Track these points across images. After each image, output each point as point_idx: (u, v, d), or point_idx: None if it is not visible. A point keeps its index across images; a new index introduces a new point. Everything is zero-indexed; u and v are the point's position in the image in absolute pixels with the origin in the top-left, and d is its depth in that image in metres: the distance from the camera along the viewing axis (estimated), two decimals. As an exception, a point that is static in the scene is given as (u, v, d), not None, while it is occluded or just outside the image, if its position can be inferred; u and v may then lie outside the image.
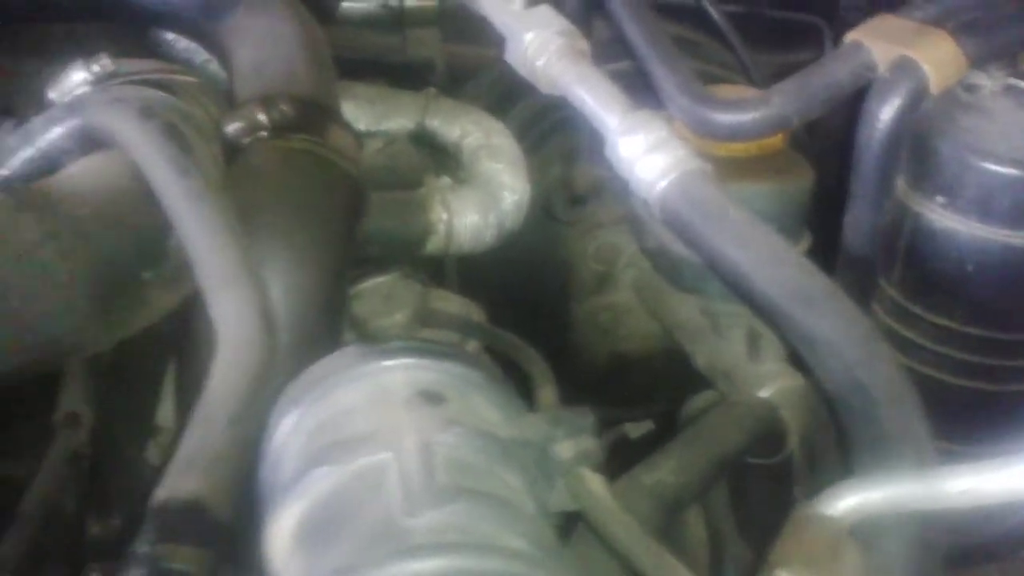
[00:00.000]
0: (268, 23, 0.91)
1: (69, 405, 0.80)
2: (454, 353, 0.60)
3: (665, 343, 1.21)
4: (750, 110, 0.87)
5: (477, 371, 0.56)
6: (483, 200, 0.99)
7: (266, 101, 0.80)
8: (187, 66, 1.05)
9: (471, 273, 1.16)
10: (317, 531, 0.48)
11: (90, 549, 0.77)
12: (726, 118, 0.88)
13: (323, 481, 0.49)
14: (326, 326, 0.79)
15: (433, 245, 0.98)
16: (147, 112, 0.70)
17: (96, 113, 0.71)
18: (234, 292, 0.66)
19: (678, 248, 1.04)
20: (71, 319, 0.65)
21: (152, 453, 0.88)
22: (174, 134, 0.70)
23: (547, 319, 1.28)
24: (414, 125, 1.16)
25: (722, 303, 1.04)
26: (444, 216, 0.97)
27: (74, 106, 0.72)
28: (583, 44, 0.99)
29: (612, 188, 1.27)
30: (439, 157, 1.17)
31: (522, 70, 1.01)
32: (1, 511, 0.75)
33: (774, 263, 0.77)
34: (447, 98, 1.18)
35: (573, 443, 0.55)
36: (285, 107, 0.80)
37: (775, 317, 0.76)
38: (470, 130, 1.13)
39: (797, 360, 1.00)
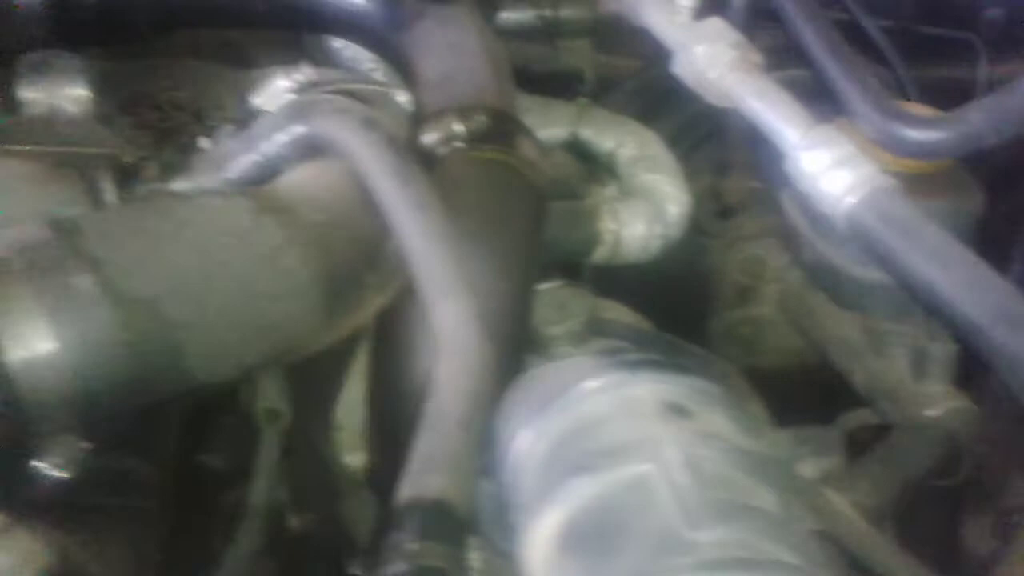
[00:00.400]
0: (453, 34, 0.93)
1: (267, 401, 0.83)
2: (695, 366, 0.61)
3: (806, 359, 1.20)
4: (946, 128, 0.86)
5: (717, 385, 0.57)
6: (650, 211, 1.00)
7: (463, 112, 0.82)
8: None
9: (606, 281, 1.18)
10: (585, 539, 0.49)
11: (290, 543, 0.80)
12: (921, 135, 0.87)
13: (584, 490, 0.50)
14: (521, 333, 0.81)
15: (600, 255, 0.99)
16: (370, 123, 0.72)
17: (321, 123, 0.73)
18: (456, 300, 0.67)
19: (842, 264, 1.04)
20: (308, 321, 0.67)
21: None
22: (396, 144, 0.72)
23: (684, 331, 1.28)
24: (567, 135, 1.17)
25: (886, 321, 1.04)
26: (612, 227, 0.98)
27: (297, 115, 0.75)
28: (756, 56, 1.00)
29: (761, 200, 1.28)
30: (589, 167, 1.19)
31: (691, 82, 1.02)
32: (204, 500, 0.78)
33: (975, 283, 0.76)
34: (599, 108, 1.20)
35: (818, 461, 0.56)
36: (481, 118, 0.82)
37: (976, 338, 0.75)
38: (625, 141, 1.14)
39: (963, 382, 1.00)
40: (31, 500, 0.57)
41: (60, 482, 0.58)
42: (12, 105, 0.78)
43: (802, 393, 1.27)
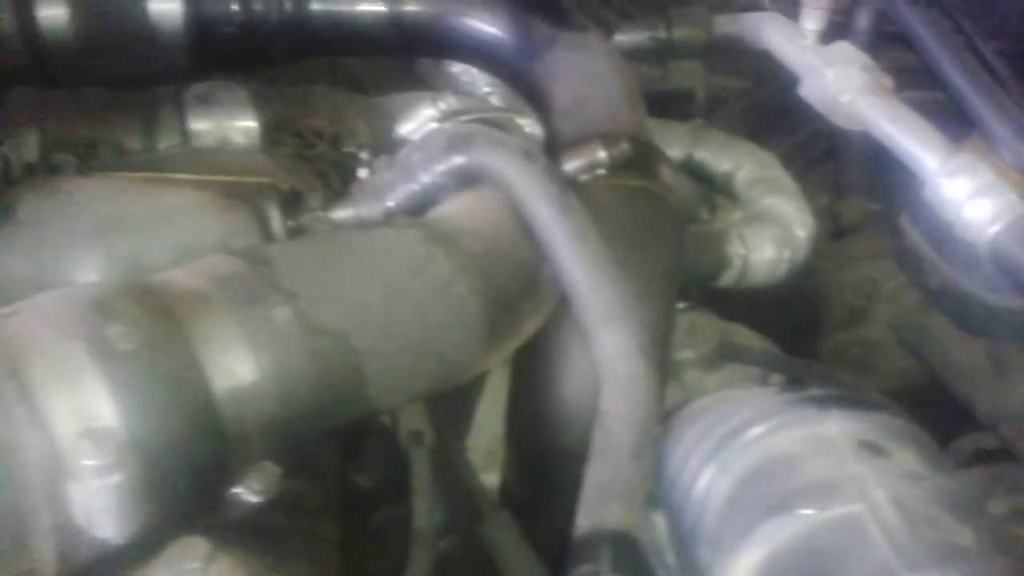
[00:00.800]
0: (586, 61, 0.94)
1: (410, 423, 0.85)
2: (880, 402, 0.61)
3: (916, 381, 1.19)
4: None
5: (904, 421, 0.57)
6: (777, 235, 1.00)
7: (606, 139, 0.83)
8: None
9: (714, 301, 1.18)
10: (793, 578, 0.50)
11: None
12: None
13: (786, 528, 0.51)
14: (665, 360, 0.82)
15: (727, 279, 0.99)
16: (529, 155, 0.74)
17: (481, 154, 0.74)
18: (619, 329, 0.68)
19: (971, 289, 1.03)
20: (473, 348, 0.69)
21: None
22: (555, 175, 0.74)
23: (793, 351, 1.28)
24: (682, 156, 1.17)
25: (1014, 347, 1.03)
26: (741, 251, 0.98)
27: (456, 146, 0.76)
28: (887, 80, 1.00)
29: (875, 221, 1.28)
30: (705, 188, 1.19)
31: (819, 104, 1.02)
32: (355, 521, 0.80)
33: None
34: (714, 129, 1.20)
35: (1009, 500, 0.56)
36: (624, 146, 0.83)
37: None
38: (742, 162, 1.14)
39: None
40: (230, 526, 0.60)
41: (253, 507, 0.60)
42: (183, 135, 0.80)
43: (912, 416, 1.27)
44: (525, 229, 0.73)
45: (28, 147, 1.03)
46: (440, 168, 0.76)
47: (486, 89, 1.15)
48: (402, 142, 0.87)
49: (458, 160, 0.76)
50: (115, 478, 0.50)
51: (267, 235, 0.75)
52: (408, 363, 0.65)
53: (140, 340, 0.54)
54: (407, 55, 1.08)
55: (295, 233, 0.78)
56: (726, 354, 0.92)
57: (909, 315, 1.19)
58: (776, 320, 1.21)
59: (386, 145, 1.00)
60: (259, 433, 0.58)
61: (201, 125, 0.81)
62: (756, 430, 0.57)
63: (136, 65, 0.98)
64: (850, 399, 0.57)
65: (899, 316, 1.22)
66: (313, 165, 0.93)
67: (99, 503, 0.50)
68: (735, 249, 0.98)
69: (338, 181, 0.92)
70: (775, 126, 1.29)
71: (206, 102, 0.82)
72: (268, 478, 0.58)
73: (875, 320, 1.24)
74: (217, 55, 0.99)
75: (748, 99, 1.33)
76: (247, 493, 0.58)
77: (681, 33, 1.21)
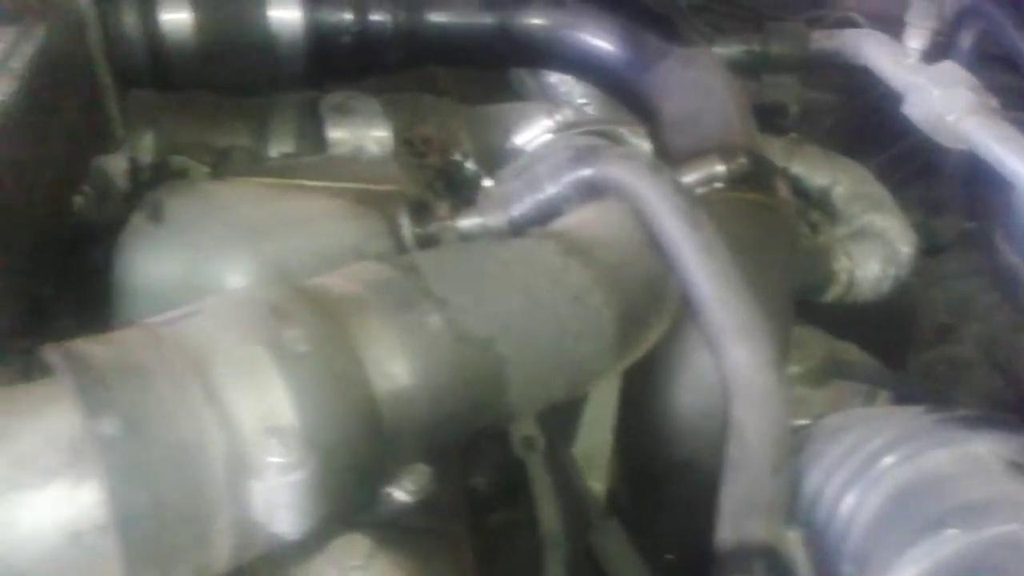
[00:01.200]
0: (697, 75, 0.95)
1: (523, 429, 0.86)
2: (1021, 423, 0.62)
3: (1005, 399, 1.19)
4: None
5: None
6: (883, 252, 1.01)
7: (724, 153, 0.84)
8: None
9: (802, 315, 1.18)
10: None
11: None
12: None
13: (942, 547, 0.52)
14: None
15: (832, 294, 1.00)
16: (657, 168, 0.75)
17: (609, 166, 0.76)
18: (751, 344, 0.69)
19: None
20: (605, 359, 0.70)
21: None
22: (683, 189, 0.75)
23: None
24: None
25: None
26: (847, 266, 0.99)
27: (583, 158, 0.77)
28: (993, 101, 1.00)
29: (971, 240, 1.27)
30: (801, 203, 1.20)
31: (923, 123, 1.02)
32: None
33: None
34: (810, 143, 1.21)
35: None
36: (743, 160, 0.84)
37: None
38: (839, 178, 1.15)
39: None
40: (379, 524, 0.61)
41: (404, 507, 0.62)
42: (321, 144, 0.83)
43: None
44: (651, 241, 0.75)
45: (143, 148, 1.07)
46: (566, 179, 0.77)
47: (581, 100, 1.16)
48: (516, 152, 0.88)
49: (585, 172, 0.77)
50: (297, 475, 0.51)
51: (397, 242, 0.77)
52: (546, 371, 0.67)
53: (314, 343, 0.56)
54: (515, 66, 1.10)
55: (423, 241, 0.80)
56: (832, 370, 0.93)
57: (1000, 334, 1.19)
58: (865, 336, 1.22)
59: (490, 154, 1.02)
60: (411, 436, 0.60)
61: (338, 134, 0.83)
62: (905, 450, 0.57)
63: (253, 72, 1.00)
64: (993, 420, 0.58)
65: (990, 335, 1.22)
66: (422, 173, 0.95)
67: (280, 500, 0.52)
68: (841, 264, 0.98)
69: (444, 189, 0.95)
70: (865, 142, 1.29)
71: (343, 112, 0.84)
72: (421, 479, 0.60)
73: (965, 338, 1.24)
74: (331, 64, 1.01)
75: (837, 114, 1.33)
76: (400, 493, 0.60)
77: (778, 47, 1.22)
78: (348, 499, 0.57)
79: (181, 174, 0.94)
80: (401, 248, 0.78)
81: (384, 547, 0.57)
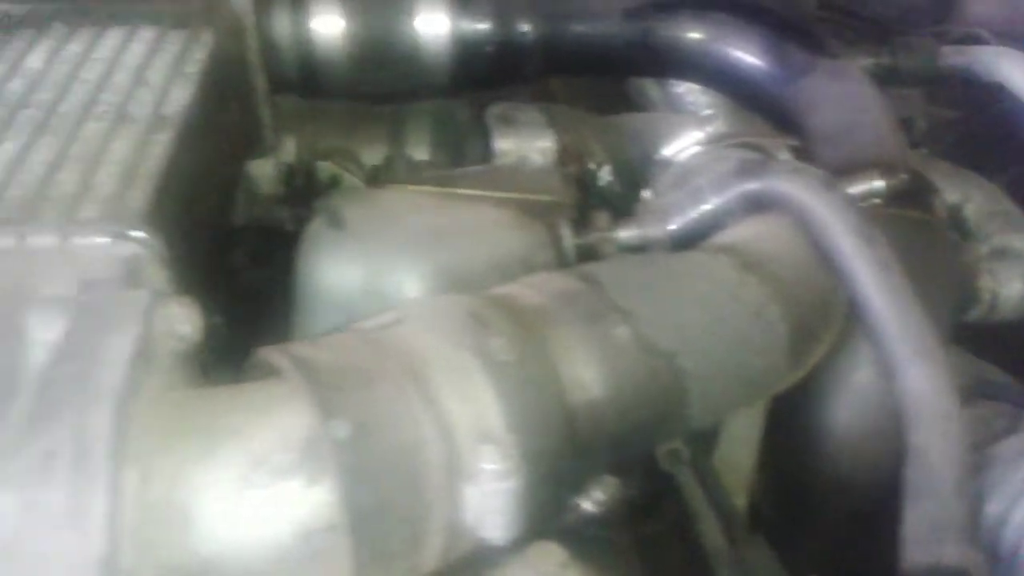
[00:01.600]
0: (846, 89, 0.94)
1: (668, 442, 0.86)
2: None
3: None
4: None
5: None
6: (1024, 270, 0.99)
7: (885, 169, 0.83)
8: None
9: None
10: None
11: None
12: None
13: None
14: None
15: (976, 313, 0.98)
16: (829, 183, 0.74)
17: (779, 180, 0.76)
18: (929, 364, 0.68)
19: None
20: (779, 373, 0.70)
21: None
22: (856, 205, 0.74)
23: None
24: (906, 186, 1.17)
25: None
26: (991, 285, 0.97)
27: (749, 171, 0.78)
28: None
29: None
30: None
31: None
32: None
33: None
34: (939, 159, 1.19)
35: None
36: (904, 176, 0.83)
37: None
38: (972, 194, 1.12)
39: None
40: (562, 533, 0.62)
41: (590, 517, 0.63)
42: (487, 153, 0.84)
43: None
44: (820, 256, 0.74)
45: (286, 154, 1.09)
46: (731, 192, 0.77)
47: (708, 111, 1.16)
48: (663, 163, 0.88)
49: (752, 185, 0.77)
50: (511, 483, 0.52)
51: (559, 253, 0.78)
52: (724, 386, 0.66)
53: (517, 353, 0.56)
54: (651, 76, 1.10)
55: (583, 252, 0.80)
56: (977, 390, 0.91)
57: None
58: (1005, 356, 1.19)
59: (627, 164, 1.03)
60: (601, 447, 0.60)
61: (505, 144, 0.84)
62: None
63: (397, 81, 1.02)
64: None
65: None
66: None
67: (492, 505, 0.52)
68: (985, 283, 0.96)
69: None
70: (988, 158, 1.27)
71: (508, 123, 0.85)
72: (609, 490, 0.60)
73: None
74: (471, 74, 1.03)
75: (959, 130, 1.31)
76: (588, 503, 0.60)
77: (908, 61, 1.20)
78: (548, 508, 0.57)
79: (332, 181, 0.95)
80: (562, 259, 0.78)
81: (579, 560, 0.57)
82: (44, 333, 0.51)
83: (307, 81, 1.01)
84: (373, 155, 1.09)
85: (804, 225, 0.74)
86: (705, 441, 0.93)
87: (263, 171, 1.03)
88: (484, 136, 0.84)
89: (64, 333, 0.51)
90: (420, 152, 1.06)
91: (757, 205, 0.77)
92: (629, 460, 0.66)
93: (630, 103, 1.35)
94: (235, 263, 1.04)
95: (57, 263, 0.56)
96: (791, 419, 0.85)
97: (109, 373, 0.48)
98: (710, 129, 0.88)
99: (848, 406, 0.81)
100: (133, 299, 0.52)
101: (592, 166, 0.99)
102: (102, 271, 0.55)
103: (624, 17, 1.01)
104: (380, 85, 1.02)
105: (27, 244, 0.57)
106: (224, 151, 0.87)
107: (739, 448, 0.93)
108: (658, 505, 0.86)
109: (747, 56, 0.99)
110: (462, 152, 1.06)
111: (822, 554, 0.85)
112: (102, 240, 0.58)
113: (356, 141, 1.09)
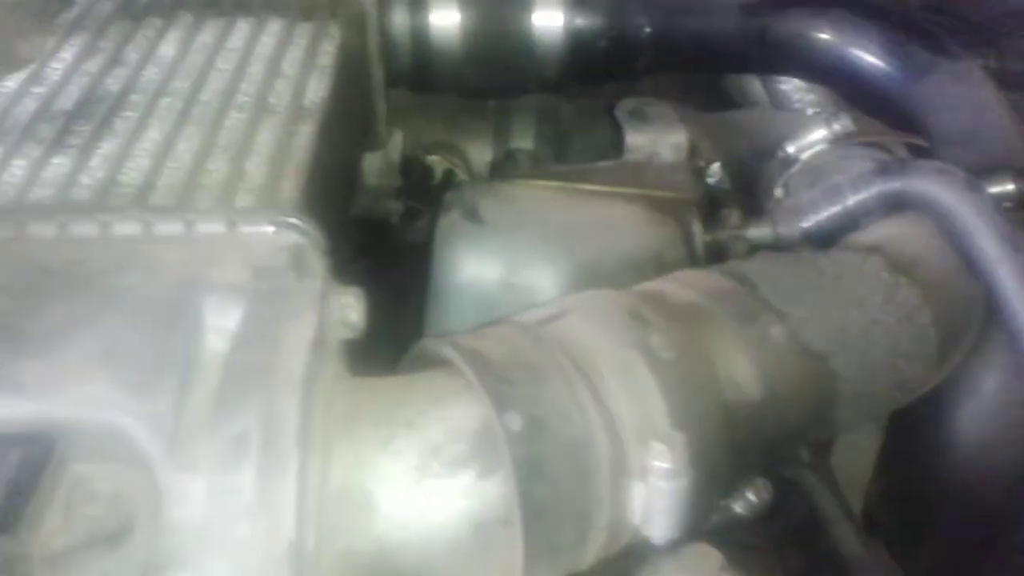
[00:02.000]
0: (970, 90, 0.92)
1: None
2: None
3: None
4: None
5: None
6: None
7: (1018, 172, 0.81)
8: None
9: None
10: None
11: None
12: None
13: None
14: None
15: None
16: (975, 185, 0.73)
17: (922, 181, 0.74)
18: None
19: None
20: (927, 379, 0.69)
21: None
22: (998, 206, 0.73)
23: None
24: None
25: None
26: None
27: (889, 171, 0.76)
28: None
29: None
30: None
31: None
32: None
33: None
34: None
35: None
36: (1036, 181, 0.81)
37: None
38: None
39: None
40: (715, 537, 0.61)
41: (739, 520, 0.62)
42: (619, 148, 0.83)
43: None
44: (963, 258, 0.73)
45: (394, 147, 1.09)
46: (871, 192, 0.76)
47: (814, 109, 1.14)
48: (789, 161, 0.87)
49: (892, 186, 0.75)
50: (679, 482, 0.52)
51: (691, 250, 0.77)
52: (873, 389, 0.65)
53: (676, 351, 0.56)
54: (764, 73, 1.08)
55: (713, 249, 0.79)
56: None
57: None
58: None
59: (738, 160, 1.01)
60: (757, 448, 0.59)
61: (637, 139, 0.83)
62: None
63: (509, 75, 1.01)
64: None
65: None
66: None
67: (660, 504, 0.52)
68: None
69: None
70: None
71: (641, 118, 0.84)
72: (761, 494, 0.59)
73: None
74: (583, 69, 1.02)
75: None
76: (739, 506, 0.59)
77: (1017, 64, 1.17)
78: (706, 509, 0.57)
79: (446, 175, 0.95)
80: (693, 256, 0.77)
81: (735, 565, 0.56)
82: (220, 320, 0.52)
83: (420, 74, 1.02)
84: (477, 149, 1.09)
85: (946, 226, 0.73)
86: (821, 445, 0.92)
87: (370, 164, 1.04)
88: (614, 131, 0.83)
89: (241, 320, 0.52)
90: (524, 146, 1.06)
91: (896, 205, 0.76)
92: (778, 462, 0.65)
93: (724, 98, 1.34)
94: (345, 254, 1.04)
95: (225, 250, 0.57)
96: (915, 426, 0.84)
97: (292, 360, 0.49)
98: (836, 127, 0.86)
99: (976, 415, 0.79)
100: (307, 287, 0.53)
101: (701, 163, 0.98)
102: (269, 259, 0.56)
103: (741, 13, 1.00)
104: (491, 79, 1.02)
105: (195, 231, 0.58)
106: (351, 143, 0.88)
107: (856, 454, 0.92)
108: (783, 508, 0.85)
109: (867, 55, 0.97)
110: (565, 146, 1.06)
111: (940, 564, 0.83)
112: (267, 228, 0.58)
113: (460, 135, 1.09)
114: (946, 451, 0.82)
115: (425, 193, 0.97)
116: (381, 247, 1.03)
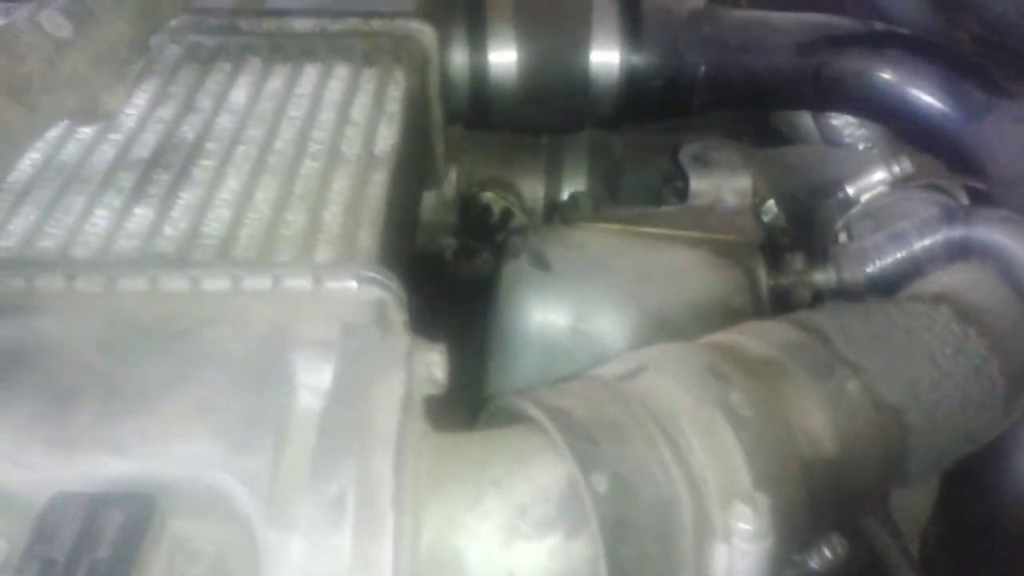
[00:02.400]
0: (1026, 130, 0.93)
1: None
2: None
3: None
4: None
5: None
6: None
7: (1082, 216, 0.81)
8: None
9: None
10: None
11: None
12: None
13: None
14: None
15: None
16: (1039, 232, 0.73)
17: (988, 228, 0.75)
18: None
19: None
20: (993, 431, 0.69)
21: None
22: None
23: None
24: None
25: None
26: None
27: (954, 217, 0.77)
28: None
29: None
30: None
31: None
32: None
33: None
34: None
35: None
36: (1100, 226, 0.81)
37: None
38: None
39: None
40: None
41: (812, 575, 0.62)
42: (684, 193, 0.84)
43: None
44: (1025, 311, 0.73)
45: (449, 184, 1.11)
46: (936, 238, 0.76)
47: (864, 144, 1.15)
48: (849, 202, 0.87)
49: (957, 232, 0.75)
50: (765, 543, 0.52)
51: (756, 296, 0.77)
52: (943, 441, 0.65)
53: (756, 408, 0.56)
54: (819, 111, 1.09)
55: (777, 294, 0.80)
56: None
57: None
58: None
59: (792, 198, 1.02)
60: (831, 504, 0.60)
61: (701, 184, 0.84)
62: None
63: (564, 113, 1.03)
64: None
65: None
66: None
67: (743, 566, 0.52)
68: None
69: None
70: None
71: (705, 163, 0.85)
72: (836, 549, 0.60)
73: None
74: (637, 107, 1.03)
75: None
76: (814, 562, 0.60)
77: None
78: (784, 567, 0.57)
79: (503, 214, 0.96)
80: (758, 302, 0.78)
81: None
82: (312, 377, 0.53)
83: (478, 112, 1.03)
84: (529, 185, 1.10)
85: (1011, 274, 0.73)
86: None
87: (426, 200, 1.05)
88: (679, 177, 0.84)
89: (332, 377, 0.53)
90: (576, 183, 1.07)
91: (961, 252, 0.76)
92: (852, 516, 0.65)
93: (772, 131, 1.34)
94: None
95: (311, 306, 0.58)
96: (973, 468, 0.83)
97: (384, 419, 0.50)
98: (896, 169, 0.86)
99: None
100: (394, 344, 0.54)
101: (756, 200, 0.99)
102: (355, 314, 0.57)
103: (797, 51, 1.00)
104: (546, 116, 1.03)
105: (281, 286, 0.59)
106: (415, 186, 0.89)
107: (914, 496, 0.92)
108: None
109: (924, 95, 0.97)
110: (617, 182, 1.06)
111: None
112: (351, 283, 0.59)
113: (512, 171, 1.10)
114: (1005, 494, 0.81)
115: (483, 231, 0.98)
116: (434, 283, 1.04)
